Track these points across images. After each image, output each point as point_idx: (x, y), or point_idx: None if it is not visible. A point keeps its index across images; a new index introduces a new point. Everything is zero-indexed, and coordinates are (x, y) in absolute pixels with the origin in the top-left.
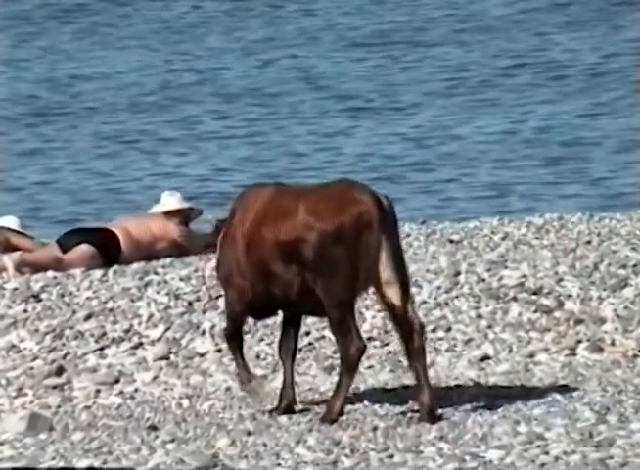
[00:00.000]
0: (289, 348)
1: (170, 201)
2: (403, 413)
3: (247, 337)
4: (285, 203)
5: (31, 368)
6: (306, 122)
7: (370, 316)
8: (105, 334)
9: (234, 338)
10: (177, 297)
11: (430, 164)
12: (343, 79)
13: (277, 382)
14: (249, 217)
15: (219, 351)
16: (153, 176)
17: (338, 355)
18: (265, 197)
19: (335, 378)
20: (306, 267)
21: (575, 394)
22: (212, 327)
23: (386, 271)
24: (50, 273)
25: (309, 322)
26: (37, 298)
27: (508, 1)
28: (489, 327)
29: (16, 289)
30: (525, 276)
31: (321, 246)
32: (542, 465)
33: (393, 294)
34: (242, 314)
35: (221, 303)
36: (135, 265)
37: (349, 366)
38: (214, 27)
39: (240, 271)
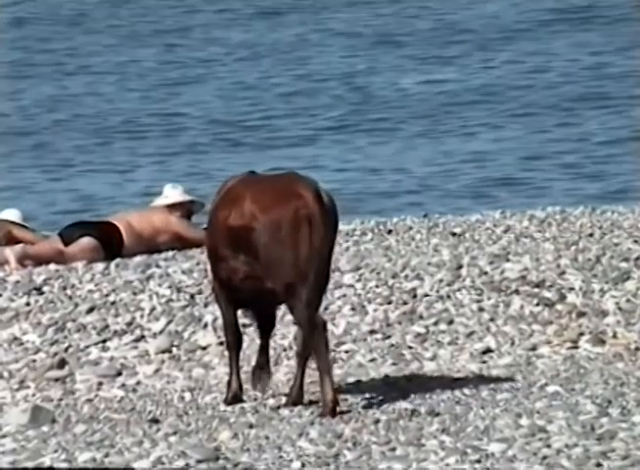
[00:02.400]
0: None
1: (172, 194)
2: (405, 406)
3: (249, 330)
4: (238, 190)
5: (34, 361)
6: (323, 120)
7: (372, 309)
8: (107, 327)
9: (230, 334)
10: (179, 290)
11: (432, 160)
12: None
13: (279, 375)
14: (213, 205)
15: (221, 343)
16: (158, 171)
17: (339, 349)
18: (229, 184)
19: (337, 371)
20: (252, 255)
21: (577, 387)
22: (214, 320)
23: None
24: (52, 266)
25: None
26: (39, 290)
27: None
28: (491, 320)
29: (18, 282)
30: (527, 269)
31: (263, 236)
32: (544, 458)
33: None
34: (218, 299)
35: None
36: (137, 258)
37: (317, 345)
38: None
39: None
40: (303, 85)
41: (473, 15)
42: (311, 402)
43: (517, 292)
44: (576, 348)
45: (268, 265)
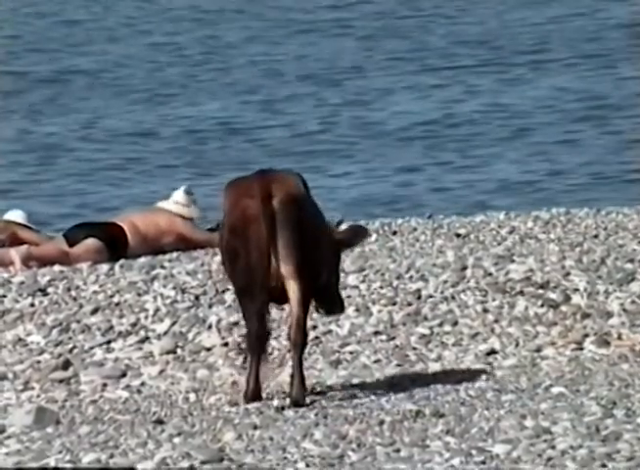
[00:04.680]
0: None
1: (186, 201)
2: (410, 408)
3: None
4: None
5: (38, 362)
6: (325, 122)
7: (376, 311)
8: (111, 328)
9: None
10: (184, 291)
11: (437, 162)
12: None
13: (284, 376)
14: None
15: (226, 345)
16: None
17: (344, 350)
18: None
19: (342, 372)
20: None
21: (582, 388)
22: (219, 321)
23: (280, 265)
24: (57, 267)
25: (315, 316)
26: (44, 291)
27: None
28: (496, 321)
29: (23, 283)
30: (531, 270)
31: (224, 235)
32: (549, 459)
33: (289, 286)
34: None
35: (227, 297)
36: (142, 259)
37: (250, 348)
38: None
39: None
40: (307, 89)
41: (488, 30)
42: (315, 404)
43: (521, 293)
44: (581, 349)
45: (225, 264)
